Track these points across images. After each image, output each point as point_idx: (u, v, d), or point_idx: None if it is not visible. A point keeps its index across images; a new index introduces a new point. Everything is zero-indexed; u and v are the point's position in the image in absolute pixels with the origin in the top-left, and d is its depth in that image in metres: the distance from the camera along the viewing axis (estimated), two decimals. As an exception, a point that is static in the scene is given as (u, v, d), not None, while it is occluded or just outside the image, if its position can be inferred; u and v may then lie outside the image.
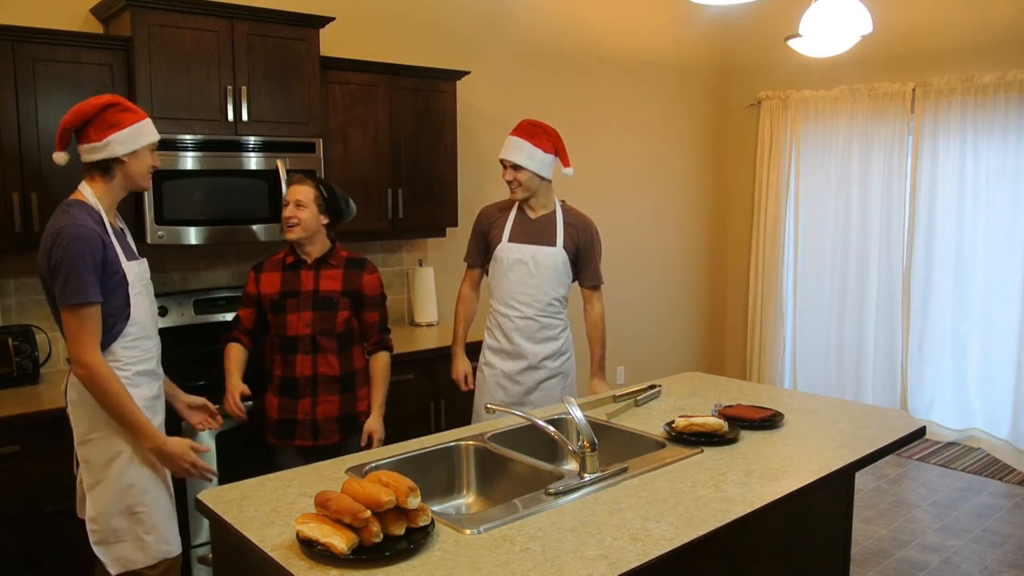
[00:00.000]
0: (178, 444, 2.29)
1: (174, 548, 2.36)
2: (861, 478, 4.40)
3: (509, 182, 3.06)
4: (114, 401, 2.18)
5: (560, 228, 3.09)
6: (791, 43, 4.12)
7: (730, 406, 2.52)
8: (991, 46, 4.90)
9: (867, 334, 5.58)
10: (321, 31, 3.53)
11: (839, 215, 5.68)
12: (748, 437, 2.30)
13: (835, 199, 5.70)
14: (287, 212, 2.76)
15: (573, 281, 3.18)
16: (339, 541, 1.51)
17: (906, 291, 5.37)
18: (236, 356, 2.84)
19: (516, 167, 3.02)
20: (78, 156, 2.29)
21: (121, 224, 2.42)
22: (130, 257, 2.32)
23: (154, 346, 2.38)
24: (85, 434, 2.27)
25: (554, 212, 3.12)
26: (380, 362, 2.89)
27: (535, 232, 3.09)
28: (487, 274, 3.24)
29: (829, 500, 2.50)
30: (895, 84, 5.30)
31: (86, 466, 2.28)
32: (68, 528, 2.76)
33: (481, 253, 3.23)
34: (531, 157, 3.01)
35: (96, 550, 2.29)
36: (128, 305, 2.26)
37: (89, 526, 2.30)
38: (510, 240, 3.11)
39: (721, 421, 2.27)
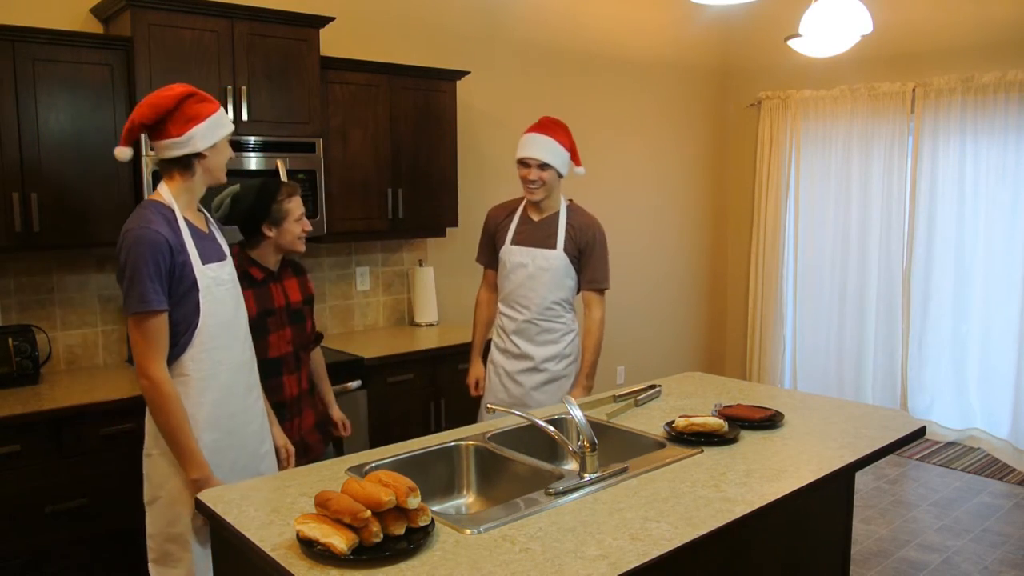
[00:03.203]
0: (220, 484, 2.09)
1: None
2: (861, 478, 4.40)
3: (531, 182, 2.94)
4: (169, 421, 2.04)
5: (562, 230, 3.03)
6: (791, 43, 4.12)
7: (730, 406, 2.52)
8: (991, 46, 4.90)
9: (867, 334, 5.59)
10: (321, 31, 3.53)
11: (839, 215, 5.68)
12: (748, 437, 2.30)
13: (835, 199, 5.70)
14: (307, 226, 2.59)
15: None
16: (339, 541, 1.51)
17: (906, 291, 5.37)
18: None
19: (543, 166, 2.92)
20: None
21: (210, 223, 2.29)
22: (208, 259, 2.16)
23: (229, 358, 2.19)
24: (149, 447, 2.16)
25: (558, 213, 3.06)
26: (320, 355, 2.85)
27: (537, 235, 3.05)
28: None
29: (829, 500, 2.50)
30: (895, 84, 5.30)
31: (146, 480, 2.18)
32: (68, 528, 2.76)
33: (490, 254, 3.19)
34: (556, 153, 2.94)
35: (151, 568, 2.20)
36: (198, 313, 2.10)
37: (148, 543, 2.20)
38: (512, 243, 3.07)
39: (721, 421, 2.27)
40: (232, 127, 2.22)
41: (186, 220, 2.14)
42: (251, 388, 2.29)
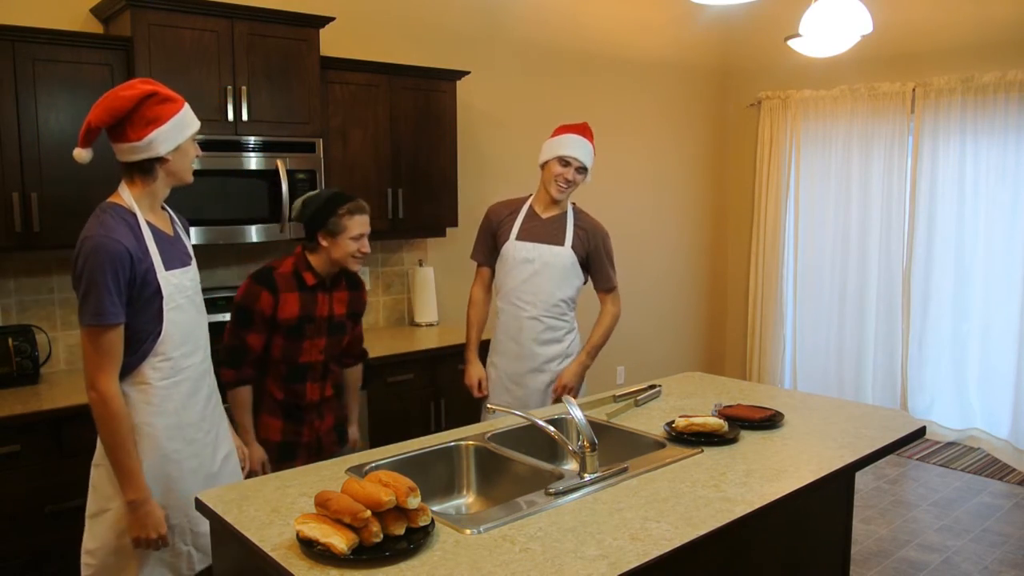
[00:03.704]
0: (158, 507, 2.05)
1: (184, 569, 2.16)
2: (861, 478, 4.40)
3: (568, 181, 2.98)
4: (113, 438, 1.97)
5: (570, 229, 3.05)
6: (791, 43, 4.12)
7: (730, 406, 2.52)
8: (991, 46, 4.90)
9: (867, 334, 5.59)
10: (321, 31, 3.53)
11: (839, 215, 5.68)
12: (748, 437, 2.30)
13: (835, 199, 5.70)
14: (365, 247, 2.53)
15: (584, 284, 3.14)
16: (339, 541, 1.51)
17: (906, 291, 5.37)
18: (248, 403, 2.55)
19: (582, 169, 2.98)
20: (93, 152, 2.07)
21: (175, 223, 2.19)
22: (172, 265, 2.07)
23: (191, 365, 2.12)
24: (98, 458, 2.08)
25: (566, 213, 3.08)
26: (357, 372, 2.85)
27: (545, 232, 3.05)
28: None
29: (829, 500, 2.50)
30: (895, 84, 5.30)
31: (93, 492, 2.10)
32: (68, 528, 2.76)
33: (489, 251, 3.17)
34: (592, 159, 2.99)
35: None
36: (161, 320, 2.02)
37: (84, 559, 2.11)
38: (518, 238, 3.06)
39: (721, 421, 2.27)
40: (197, 124, 2.10)
41: (149, 223, 2.05)
42: (211, 396, 2.22)
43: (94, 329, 1.93)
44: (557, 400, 3.09)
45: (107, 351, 1.95)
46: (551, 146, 3.02)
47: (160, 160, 2.03)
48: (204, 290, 2.45)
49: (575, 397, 3.07)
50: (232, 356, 2.52)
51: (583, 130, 3.02)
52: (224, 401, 2.39)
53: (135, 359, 2.02)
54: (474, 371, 3.19)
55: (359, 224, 2.52)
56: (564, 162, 2.98)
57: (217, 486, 2.17)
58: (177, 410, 2.09)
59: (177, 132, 2.02)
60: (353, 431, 2.85)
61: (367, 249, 2.55)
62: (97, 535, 2.10)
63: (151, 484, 2.05)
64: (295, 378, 2.57)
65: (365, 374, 2.90)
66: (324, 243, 2.52)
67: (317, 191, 2.63)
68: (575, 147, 2.96)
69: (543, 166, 3.05)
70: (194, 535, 2.16)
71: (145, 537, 2.04)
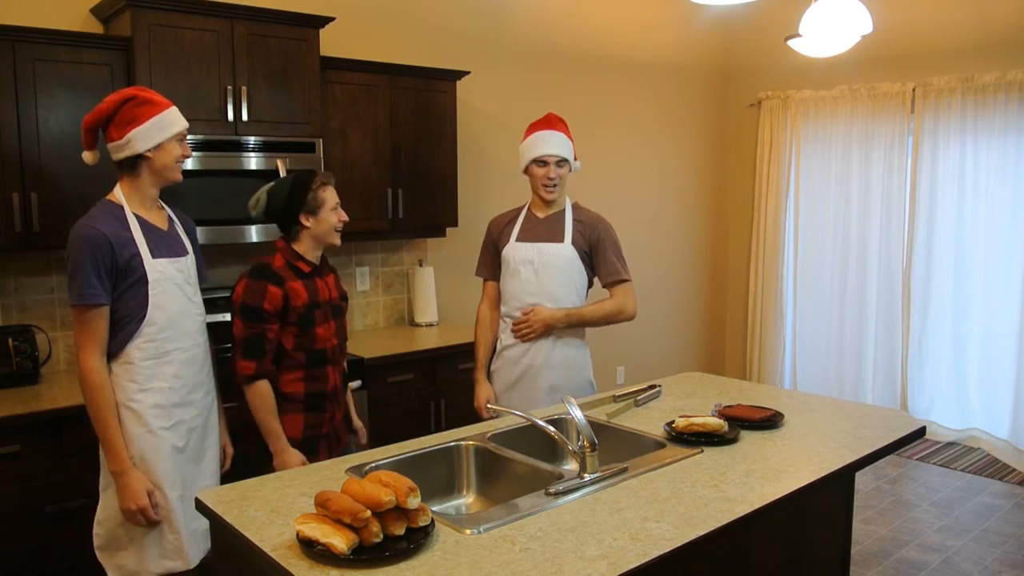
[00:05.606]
0: (140, 481, 2.17)
1: (178, 564, 2.27)
2: (861, 478, 4.40)
3: (551, 179, 2.88)
4: (93, 411, 2.15)
5: (569, 224, 2.94)
6: (791, 43, 4.12)
7: (730, 406, 2.52)
8: (991, 46, 4.90)
9: (867, 334, 5.59)
10: (321, 31, 3.53)
11: (839, 215, 5.68)
12: (748, 437, 2.30)
13: (835, 199, 5.70)
14: (344, 216, 2.56)
15: (591, 285, 3.03)
16: (339, 541, 1.51)
17: (906, 291, 5.37)
18: (272, 400, 2.44)
19: (561, 162, 2.88)
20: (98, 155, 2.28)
21: (173, 221, 2.37)
22: (160, 254, 2.24)
23: (176, 349, 2.26)
24: None
25: (564, 211, 2.98)
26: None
27: (543, 230, 2.96)
28: None
29: (829, 500, 2.50)
30: (895, 84, 5.30)
31: (102, 467, 2.25)
32: (68, 528, 2.76)
33: (493, 265, 3.07)
34: (569, 149, 2.90)
35: (98, 554, 2.28)
36: (147, 305, 2.19)
37: (95, 529, 2.28)
38: (518, 240, 2.97)
39: (721, 421, 2.27)
40: (182, 126, 2.28)
41: (139, 217, 2.24)
42: (200, 384, 2.35)
43: (77, 308, 2.14)
44: (519, 335, 2.93)
45: (89, 330, 2.14)
46: (524, 151, 2.95)
47: (143, 158, 2.22)
48: (203, 290, 2.47)
49: (525, 337, 2.93)
50: (250, 346, 2.41)
51: (550, 123, 2.93)
52: (230, 400, 2.49)
53: (122, 338, 2.19)
54: (482, 392, 3.05)
55: (332, 194, 2.54)
56: (541, 163, 2.90)
57: (196, 473, 2.31)
58: (163, 389, 2.23)
59: (156, 131, 2.21)
60: (355, 417, 2.81)
61: (345, 217, 2.58)
62: (105, 507, 2.26)
63: (138, 461, 2.19)
64: (316, 364, 2.52)
65: (359, 372, 2.85)
66: (307, 223, 2.50)
67: (273, 182, 2.58)
68: (546, 144, 2.88)
69: (526, 171, 2.98)
70: (187, 517, 2.25)
71: (127, 508, 2.17)
